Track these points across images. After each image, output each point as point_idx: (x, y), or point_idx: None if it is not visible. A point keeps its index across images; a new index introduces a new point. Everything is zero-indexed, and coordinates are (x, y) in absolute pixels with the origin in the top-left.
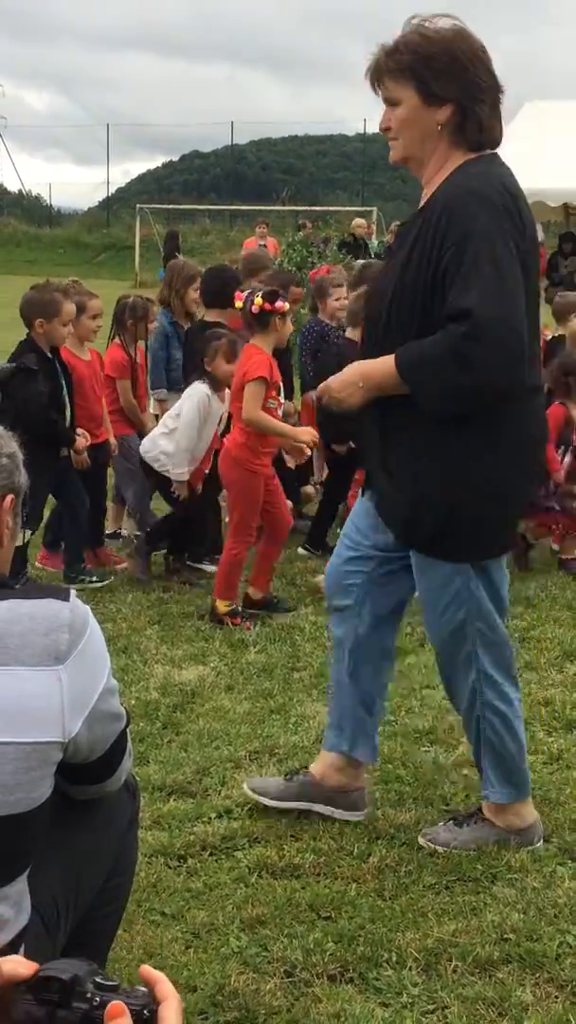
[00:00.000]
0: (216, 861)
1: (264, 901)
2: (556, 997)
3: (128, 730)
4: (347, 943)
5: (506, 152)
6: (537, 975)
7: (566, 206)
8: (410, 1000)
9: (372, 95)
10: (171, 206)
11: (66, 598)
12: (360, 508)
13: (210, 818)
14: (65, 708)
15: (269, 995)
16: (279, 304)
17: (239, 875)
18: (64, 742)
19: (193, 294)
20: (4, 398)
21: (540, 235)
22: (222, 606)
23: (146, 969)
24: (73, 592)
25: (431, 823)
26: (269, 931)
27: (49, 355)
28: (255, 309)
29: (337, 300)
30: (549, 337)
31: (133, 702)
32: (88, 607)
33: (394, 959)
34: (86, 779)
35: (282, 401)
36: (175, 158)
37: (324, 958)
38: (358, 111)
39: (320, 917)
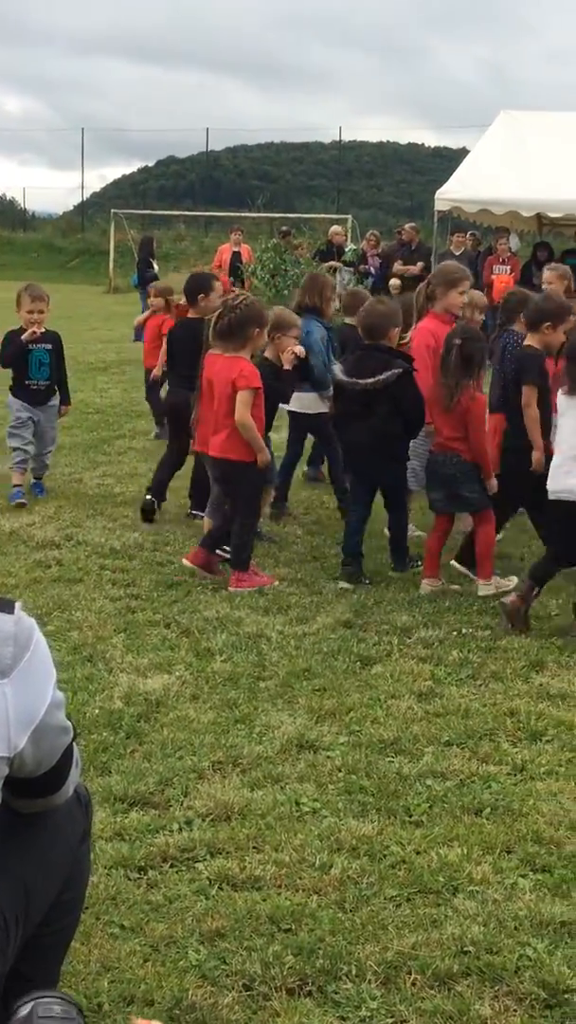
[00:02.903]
0: (177, 873)
1: (224, 913)
2: (515, 1011)
3: (76, 743)
4: (307, 956)
5: (480, 162)
6: (496, 988)
7: (539, 216)
8: (369, 1014)
9: (348, 104)
10: (146, 211)
11: (10, 611)
12: None
13: (172, 829)
14: (11, 722)
15: (227, 1009)
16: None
17: (199, 887)
18: (9, 757)
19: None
20: None
21: (515, 244)
22: None
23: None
24: (18, 605)
25: (393, 835)
26: (228, 944)
27: None
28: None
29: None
30: None
31: (97, 711)
32: (33, 620)
33: (353, 972)
34: (32, 792)
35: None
36: (151, 163)
37: (283, 971)
38: (334, 119)
39: (280, 929)
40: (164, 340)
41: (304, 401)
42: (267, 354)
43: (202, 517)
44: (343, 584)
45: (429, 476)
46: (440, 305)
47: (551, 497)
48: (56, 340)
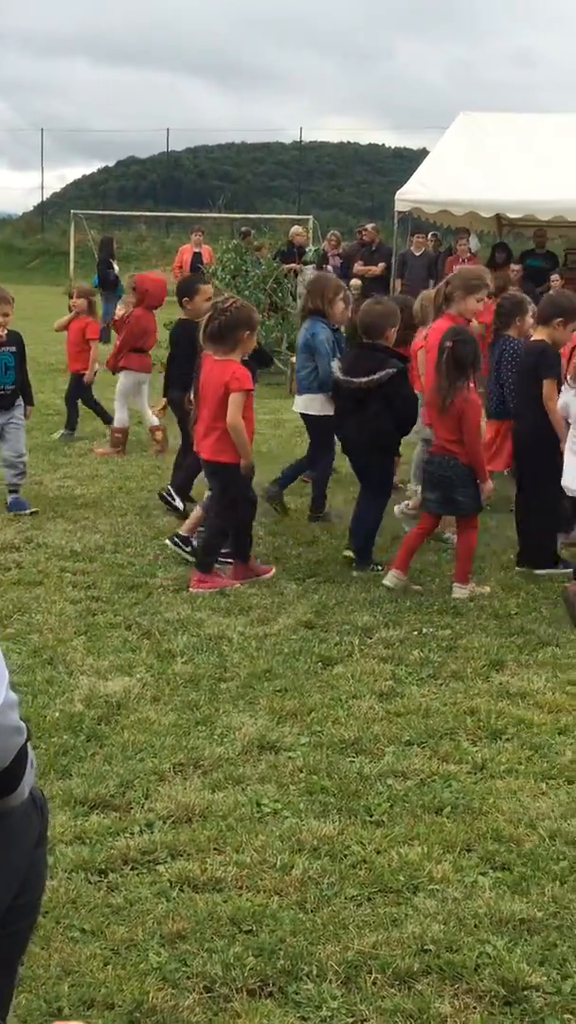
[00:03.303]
0: (137, 875)
1: (185, 915)
2: (474, 1008)
3: (29, 744)
4: (267, 957)
5: (439, 163)
6: (456, 986)
7: (499, 217)
8: (329, 1014)
9: (309, 104)
10: (106, 212)
11: None
12: None
13: (132, 832)
14: None
15: (188, 1011)
16: None
17: (160, 889)
18: None
19: (340, 304)
20: None
21: (475, 245)
22: None
23: None
24: None
25: (354, 835)
26: (189, 946)
27: None
28: None
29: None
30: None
31: (57, 714)
32: None
33: (314, 972)
34: None
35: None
36: (111, 164)
37: (244, 972)
38: (295, 119)
39: (241, 931)
40: (91, 343)
41: (312, 402)
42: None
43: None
44: (356, 573)
45: (426, 477)
46: (456, 308)
47: (569, 495)
48: (19, 342)
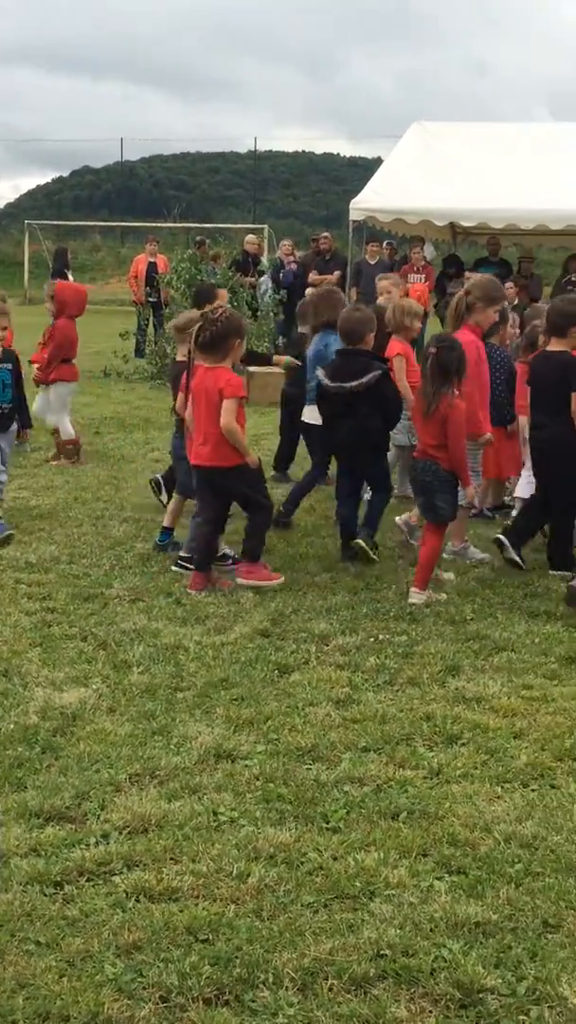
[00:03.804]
0: (93, 887)
1: (141, 926)
2: (430, 1012)
3: None
4: (224, 965)
5: (393, 171)
6: (412, 990)
7: (452, 225)
8: (285, 1021)
9: (264, 114)
10: (61, 222)
11: None
12: None
13: (88, 843)
14: None
15: (143, 1022)
16: None
17: (116, 900)
18: None
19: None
20: None
21: (430, 253)
22: None
23: None
24: None
25: (311, 842)
26: (145, 956)
27: None
28: None
29: None
30: None
31: (12, 727)
32: None
33: (271, 980)
34: None
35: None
36: (65, 174)
37: (200, 981)
38: (249, 129)
39: (197, 940)
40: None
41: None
42: (179, 356)
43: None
44: (346, 564)
45: (411, 482)
46: (475, 318)
47: None
48: (15, 359)
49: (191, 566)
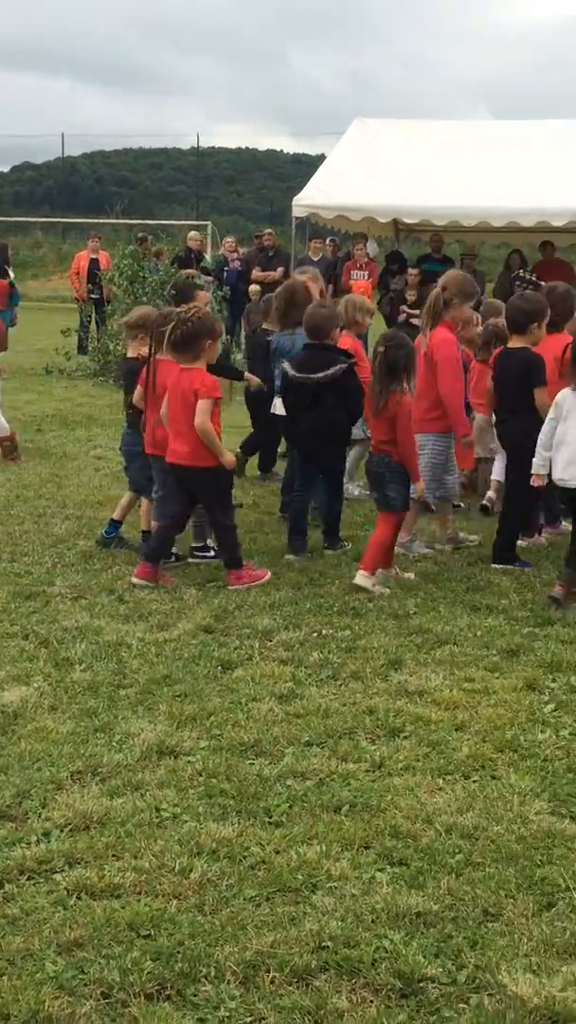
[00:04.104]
0: (34, 885)
1: (82, 923)
2: (371, 1002)
3: None
4: (166, 960)
5: (335, 168)
6: (354, 981)
7: (395, 222)
8: (227, 1014)
9: (206, 110)
10: (1, 218)
11: None
12: None
13: (29, 842)
14: None
15: (84, 1018)
16: None
17: (57, 898)
18: None
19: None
20: None
21: (373, 250)
22: None
23: None
24: None
25: (254, 836)
26: (87, 953)
27: None
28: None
29: None
30: None
31: None
32: None
33: (212, 974)
34: None
35: None
36: (5, 169)
37: (142, 977)
38: (192, 125)
39: (139, 936)
40: None
41: None
42: (130, 353)
43: None
44: (289, 557)
45: (367, 476)
46: (452, 314)
47: (572, 486)
48: None
49: (208, 555)
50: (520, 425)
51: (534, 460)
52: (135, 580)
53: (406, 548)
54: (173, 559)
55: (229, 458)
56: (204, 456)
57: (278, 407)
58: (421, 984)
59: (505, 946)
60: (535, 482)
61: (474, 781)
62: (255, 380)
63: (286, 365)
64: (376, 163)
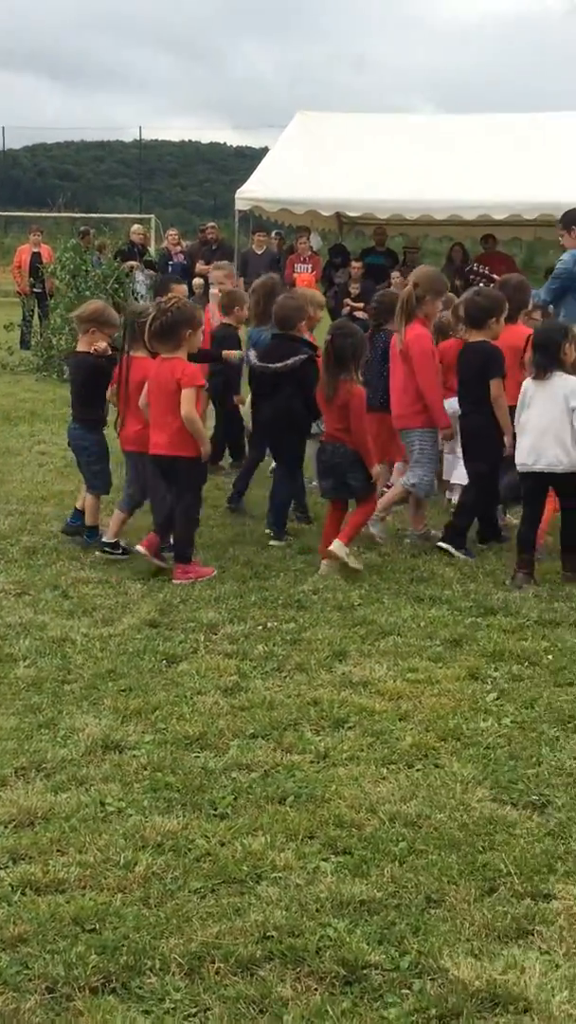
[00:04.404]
0: None
1: (27, 919)
2: (316, 990)
3: None
4: (110, 954)
5: (278, 162)
6: (298, 970)
7: (339, 215)
8: (172, 1005)
9: (148, 103)
10: None
11: None
12: None
13: None
14: None
15: (29, 1013)
16: None
17: (1, 894)
18: None
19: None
20: None
21: (316, 243)
22: None
23: None
24: None
25: (199, 828)
26: (31, 948)
27: None
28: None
29: None
30: None
31: None
32: None
33: (157, 966)
34: None
35: None
36: None
37: (87, 971)
38: (134, 118)
39: (84, 930)
40: None
41: None
42: (81, 347)
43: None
44: (274, 543)
45: (319, 465)
46: (424, 311)
47: (536, 470)
48: None
49: (117, 553)
50: (482, 416)
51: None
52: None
53: (422, 537)
54: (120, 552)
55: (207, 449)
56: (183, 446)
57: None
58: (364, 971)
59: (447, 931)
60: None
61: (417, 770)
62: (234, 354)
63: (251, 353)
64: (319, 157)
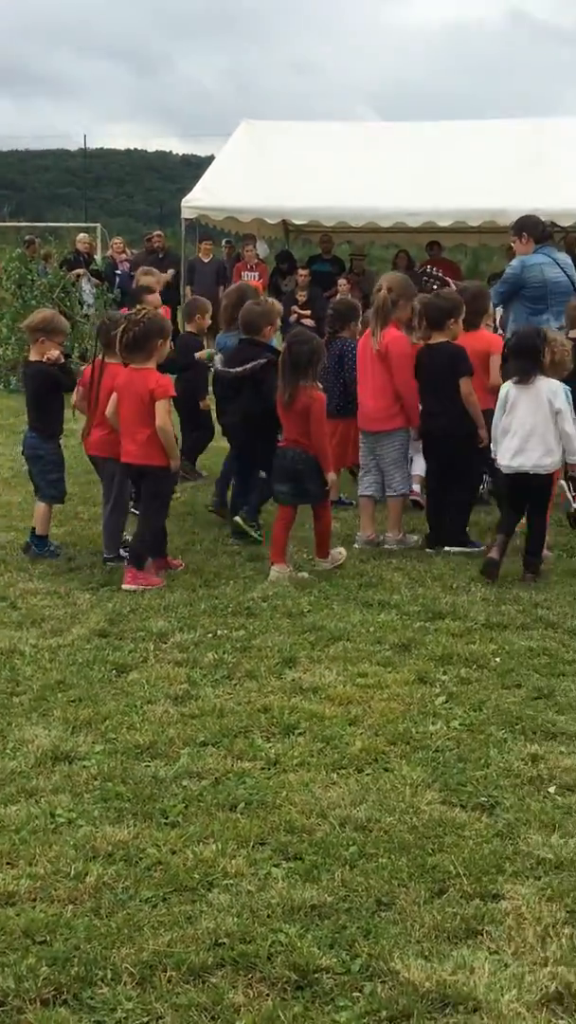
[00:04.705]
0: None
1: None
2: (267, 995)
3: None
4: (62, 965)
5: (224, 170)
6: (250, 976)
7: (285, 223)
8: (124, 1015)
9: (93, 111)
10: None
11: None
12: None
13: None
14: None
15: None
16: None
17: None
18: None
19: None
20: None
21: (263, 251)
22: None
23: None
24: None
25: (150, 837)
26: None
27: None
28: None
29: None
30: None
31: None
32: None
33: (109, 976)
34: None
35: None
36: None
37: (38, 983)
38: (80, 127)
39: (35, 942)
40: None
41: None
42: (33, 356)
43: None
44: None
45: (276, 470)
46: (397, 315)
47: (522, 471)
48: None
49: (119, 562)
50: (456, 415)
51: (492, 448)
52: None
53: (403, 543)
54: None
55: (178, 462)
56: (153, 455)
57: None
58: (316, 975)
59: (398, 934)
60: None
61: (367, 774)
62: (204, 353)
63: (217, 358)
64: (264, 165)
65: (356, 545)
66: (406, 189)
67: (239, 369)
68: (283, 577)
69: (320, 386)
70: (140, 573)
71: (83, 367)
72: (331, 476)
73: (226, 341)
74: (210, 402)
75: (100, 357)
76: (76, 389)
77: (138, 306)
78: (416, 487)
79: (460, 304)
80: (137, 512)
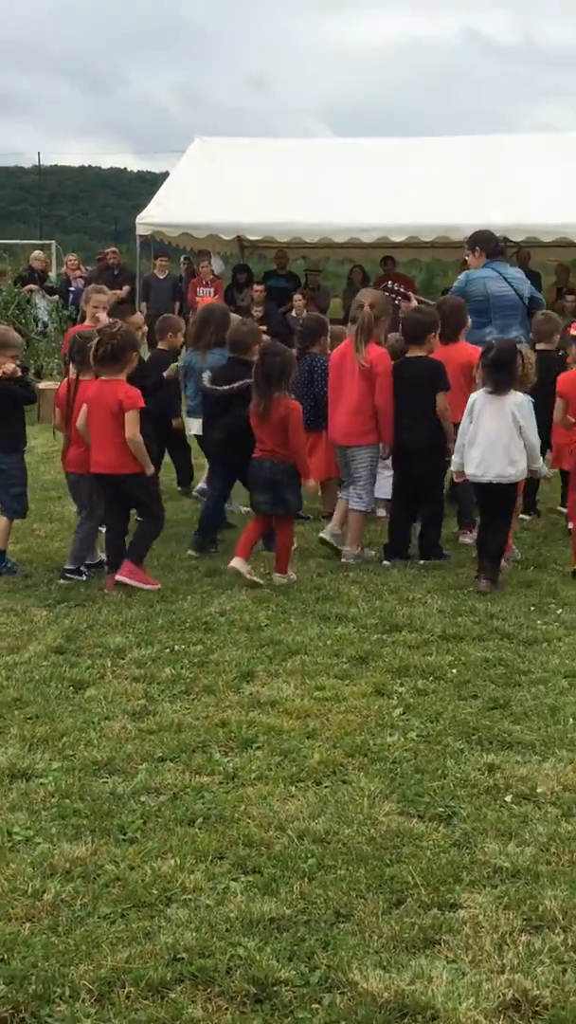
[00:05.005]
0: None
1: None
2: (226, 1009)
3: None
4: (19, 984)
5: (178, 186)
6: (209, 990)
7: (240, 239)
8: None
9: (46, 129)
10: None
11: None
12: None
13: None
14: None
15: None
16: None
17: None
18: None
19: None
20: None
21: (218, 267)
22: None
23: None
24: None
25: (108, 854)
26: None
27: None
28: None
29: None
30: None
31: None
32: None
33: (67, 993)
34: None
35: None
36: None
37: None
38: (33, 144)
39: None
40: None
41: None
42: None
43: None
44: (191, 553)
45: (253, 480)
46: (377, 331)
47: (484, 481)
48: None
49: (78, 576)
50: (431, 428)
51: (453, 459)
52: (107, 592)
53: (360, 558)
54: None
55: (151, 469)
56: (125, 464)
57: (194, 427)
58: (275, 988)
59: (356, 945)
60: (457, 479)
61: (325, 787)
62: (173, 368)
63: (205, 376)
64: (218, 181)
65: (323, 535)
66: (360, 205)
67: (225, 387)
68: (242, 569)
69: (292, 397)
70: (137, 569)
71: (38, 383)
72: (310, 483)
73: (192, 359)
74: (181, 423)
75: (74, 375)
76: (53, 411)
77: (111, 320)
78: (382, 512)
79: (437, 319)
80: (139, 519)
